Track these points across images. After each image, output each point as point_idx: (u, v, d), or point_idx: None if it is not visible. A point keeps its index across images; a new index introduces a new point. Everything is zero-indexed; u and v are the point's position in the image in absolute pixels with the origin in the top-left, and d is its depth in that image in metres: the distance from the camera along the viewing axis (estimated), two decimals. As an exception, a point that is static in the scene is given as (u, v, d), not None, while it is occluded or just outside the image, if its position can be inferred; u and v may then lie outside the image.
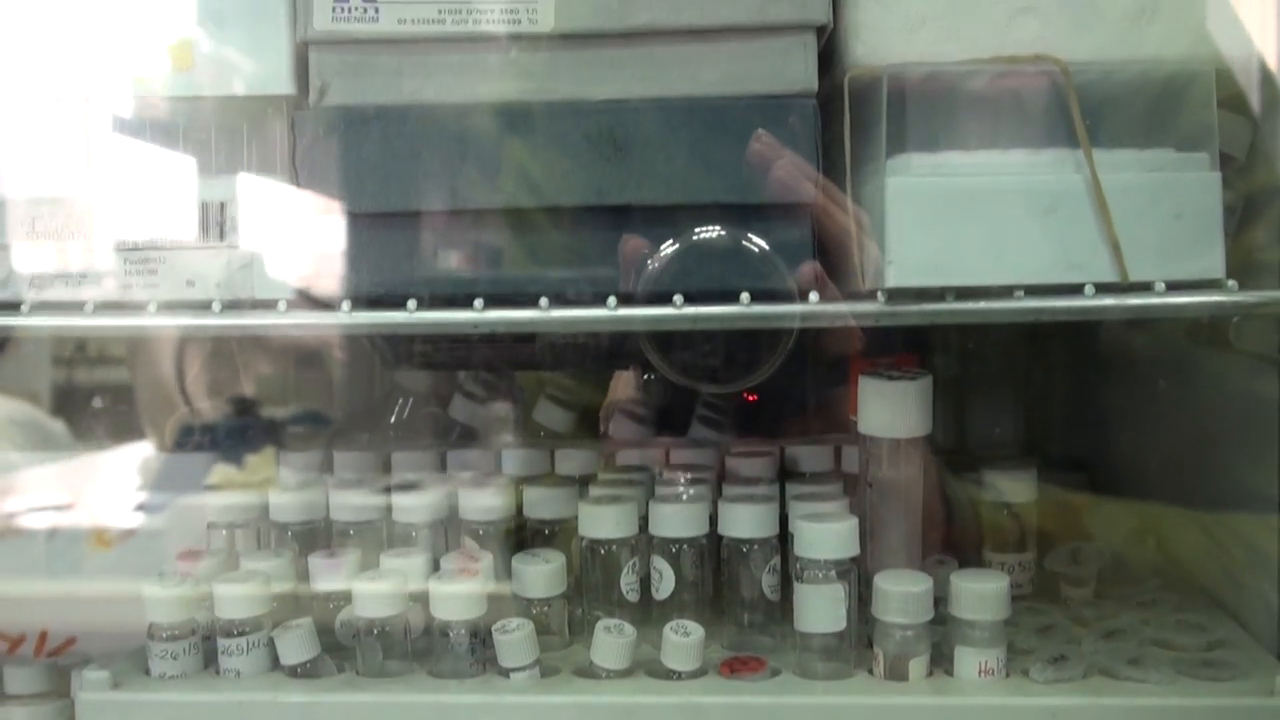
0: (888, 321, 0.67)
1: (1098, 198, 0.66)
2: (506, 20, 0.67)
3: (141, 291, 0.70)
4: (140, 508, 1.09)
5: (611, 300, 0.68)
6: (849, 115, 0.68)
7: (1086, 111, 0.67)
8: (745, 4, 0.67)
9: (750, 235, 0.68)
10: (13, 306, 0.70)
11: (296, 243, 0.70)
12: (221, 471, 1.06)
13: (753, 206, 0.68)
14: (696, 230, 0.68)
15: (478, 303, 0.68)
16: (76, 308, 0.70)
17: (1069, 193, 0.66)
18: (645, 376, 1.00)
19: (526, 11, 0.67)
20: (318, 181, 0.69)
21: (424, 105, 0.69)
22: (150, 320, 0.69)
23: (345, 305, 0.69)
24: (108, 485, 1.02)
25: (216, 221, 0.70)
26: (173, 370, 1.00)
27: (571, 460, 0.92)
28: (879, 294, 0.67)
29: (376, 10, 0.68)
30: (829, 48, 0.70)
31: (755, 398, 1.01)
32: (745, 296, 0.67)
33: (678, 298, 0.67)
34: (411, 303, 0.68)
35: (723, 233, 0.68)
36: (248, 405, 1.02)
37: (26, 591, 0.90)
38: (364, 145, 0.68)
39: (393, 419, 1.06)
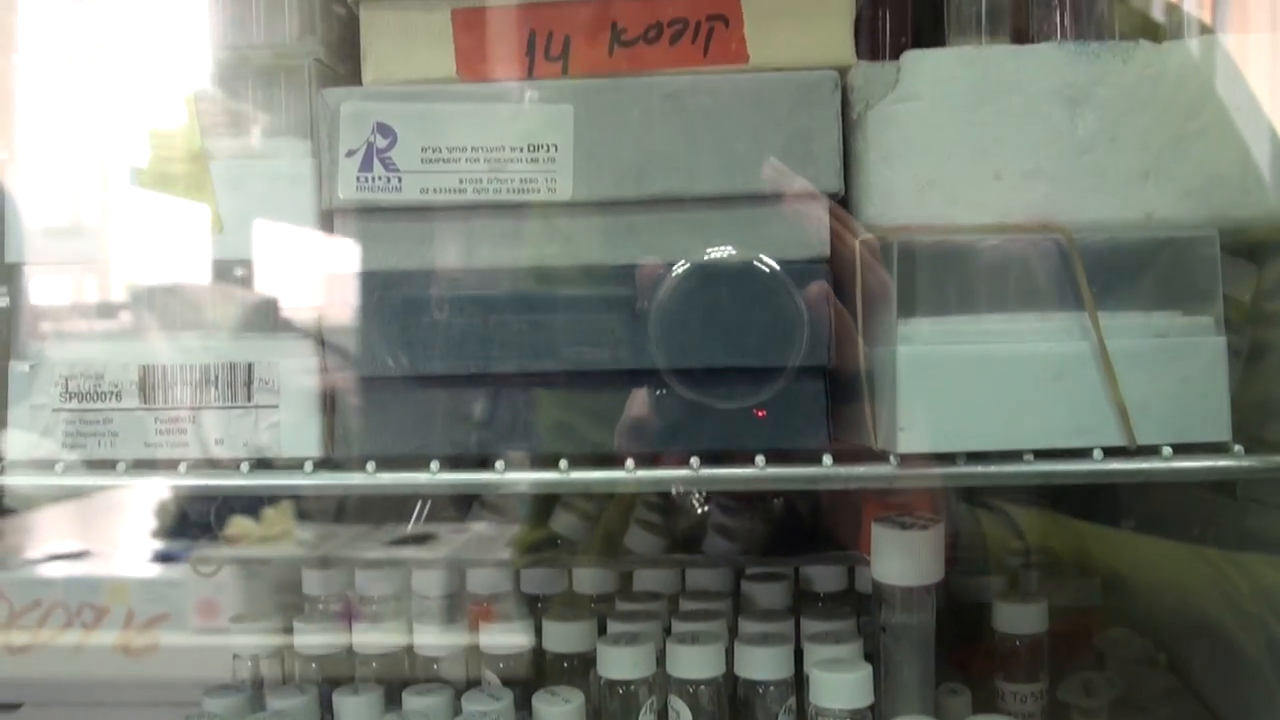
0: (900, 484, 0.69)
1: (1105, 364, 0.67)
2: (526, 189, 0.69)
3: (170, 450, 0.72)
4: (156, 557, 1.11)
5: (630, 463, 0.69)
6: (861, 281, 0.70)
7: (1093, 272, 0.68)
8: (759, 173, 0.69)
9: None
10: (46, 465, 0.72)
11: (322, 404, 0.71)
12: (239, 524, 1.08)
13: (768, 368, 0.69)
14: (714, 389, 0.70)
15: (499, 464, 0.70)
16: (109, 466, 0.72)
17: (1077, 358, 0.67)
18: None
19: (546, 180, 0.69)
20: (343, 345, 0.71)
21: (445, 271, 0.70)
22: (179, 480, 0.71)
23: (369, 466, 0.70)
24: (124, 531, 1.03)
25: (244, 382, 0.71)
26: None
27: (589, 579, 0.93)
28: (891, 457, 0.68)
29: (399, 180, 0.69)
30: (840, 207, 0.72)
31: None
32: (760, 459, 0.69)
33: (694, 460, 0.69)
34: (434, 464, 0.70)
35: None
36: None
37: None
38: (386, 311, 0.70)
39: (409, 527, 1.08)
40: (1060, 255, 0.69)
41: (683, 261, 0.69)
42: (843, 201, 0.71)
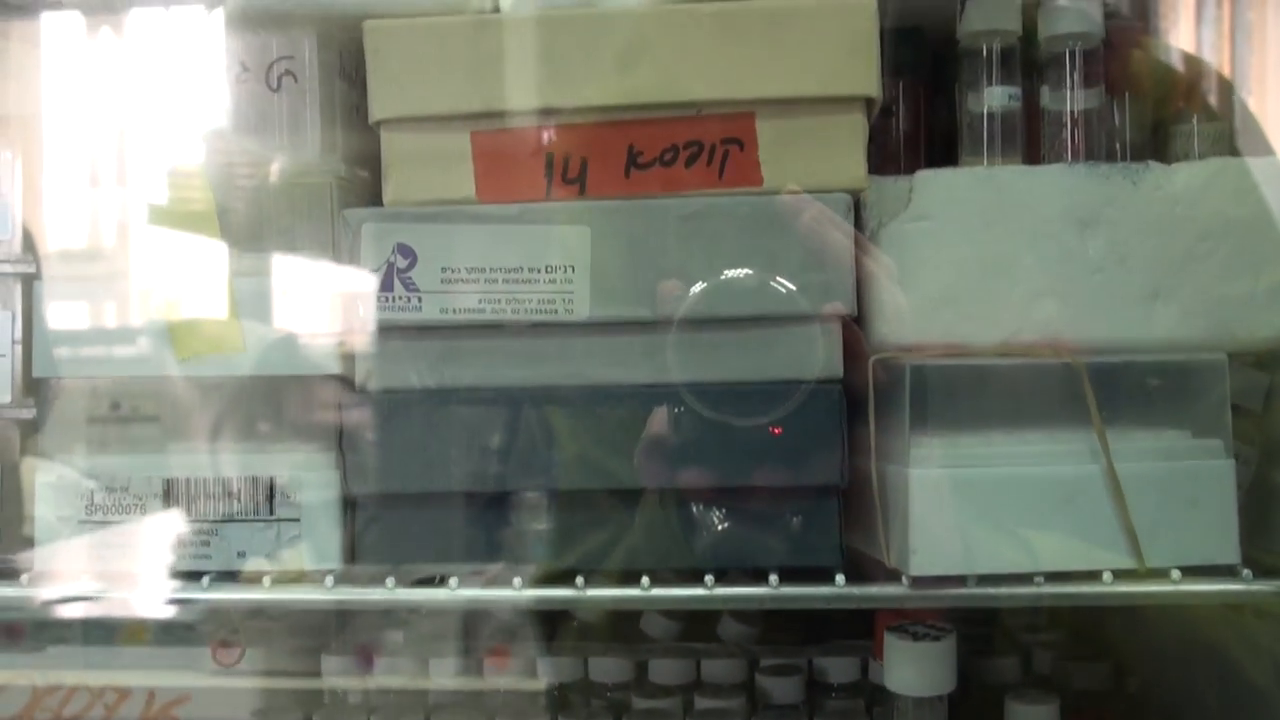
0: (913, 604, 0.70)
1: (1114, 488, 0.68)
2: (544, 309, 0.70)
3: (193, 562, 0.73)
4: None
5: (645, 580, 0.70)
6: (874, 399, 0.71)
7: (1103, 392, 0.69)
8: (773, 296, 0.70)
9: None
10: (72, 576, 0.73)
11: (343, 518, 0.72)
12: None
13: (783, 489, 0.70)
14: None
15: (516, 580, 0.71)
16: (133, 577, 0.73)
17: (1087, 481, 0.68)
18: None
19: (562, 300, 0.70)
20: (363, 462, 0.72)
21: (463, 389, 0.71)
22: (202, 595, 0.72)
23: (389, 581, 0.71)
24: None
25: (266, 496, 0.73)
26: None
27: (605, 668, 0.94)
28: (904, 578, 0.69)
29: (419, 299, 0.71)
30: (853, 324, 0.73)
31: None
32: (774, 578, 0.70)
33: (709, 578, 0.70)
34: (453, 580, 0.71)
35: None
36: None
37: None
38: (407, 428, 0.71)
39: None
40: (1070, 376, 0.69)
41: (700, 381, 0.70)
42: (856, 317, 0.72)
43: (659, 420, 0.70)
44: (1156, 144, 0.81)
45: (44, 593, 0.73)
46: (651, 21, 0.71)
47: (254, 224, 0.74)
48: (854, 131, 0.70)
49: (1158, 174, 0.70)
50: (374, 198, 0.73)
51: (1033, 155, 0.75)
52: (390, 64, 0.71)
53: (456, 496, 0.72)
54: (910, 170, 0.75)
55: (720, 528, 0.71)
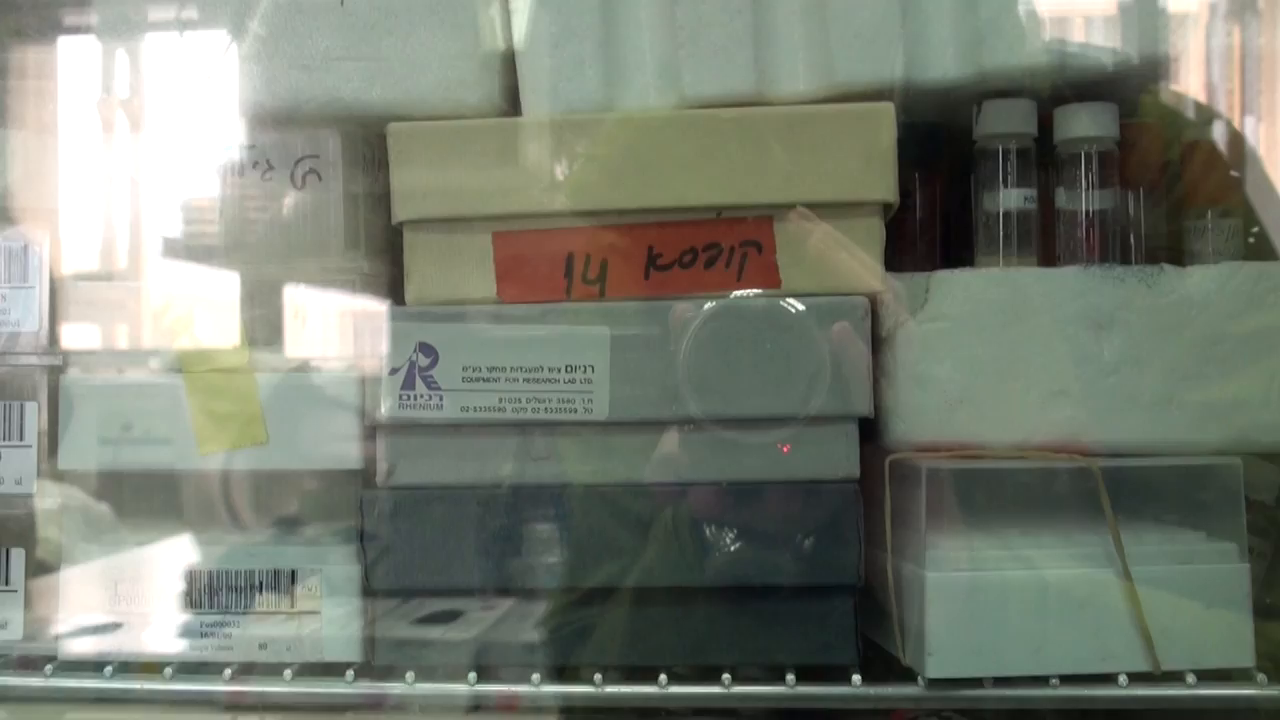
0: (929, 705, 0.70)
1: (1129, 592, 0.68)
2: (564, 408, 0.71)
3: (215, 653, 0.74)
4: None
5: (662, 678, 0.71)
6: (890, 497, 0.71)
7: (1117, 493, 0.70)
8: (790, 397, 0.71)
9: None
10: (95, 667, 0.74)
11: (364, 611, 0.73)
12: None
13: (799, 588, 0.71)
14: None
15: (535, 676, 0.71)
16: (157, 670, 0.74)
17: (1102, 584, 0.69)
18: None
19: (582, 400, 0.71)
20: (384, 558, 0.73)
21: (483, 487, 0.72)
22: (223, 686, 0.73)
23: (409, 676, 0.72)
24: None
25: (288, 588, 0.73)
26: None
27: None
28: (919, 678, 0.70)
29: (440, 398, 0.72)
30: (869, 421, 0.73)
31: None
32: (790, 677, 0.70)
33: (726, 676, 0.71)
34: (472, 675, 0.72)
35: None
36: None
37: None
38: (428, 525, 0.72)
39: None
40: (1086, 478, 0.70)
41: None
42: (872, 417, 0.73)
43: (678, 517, 0.71)
44: (1172, 236, 0.81)
45: (67, 683, 0.74)
46: (672, 126, 0.72)
47: (277, 319, 0.74)
48: (871, 236, 0.71)
49: (1171, 277, 0.71)
50: (396, 287, 0.74)
51: (1049, 251, 0.76)
52: (413, 166, 0.72)
53: (478, 593, 0.72)
54: (926, 260, 0.76)
55: (736, 622, 0.72)
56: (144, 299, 0.76)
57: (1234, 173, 0.82)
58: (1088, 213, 0.75)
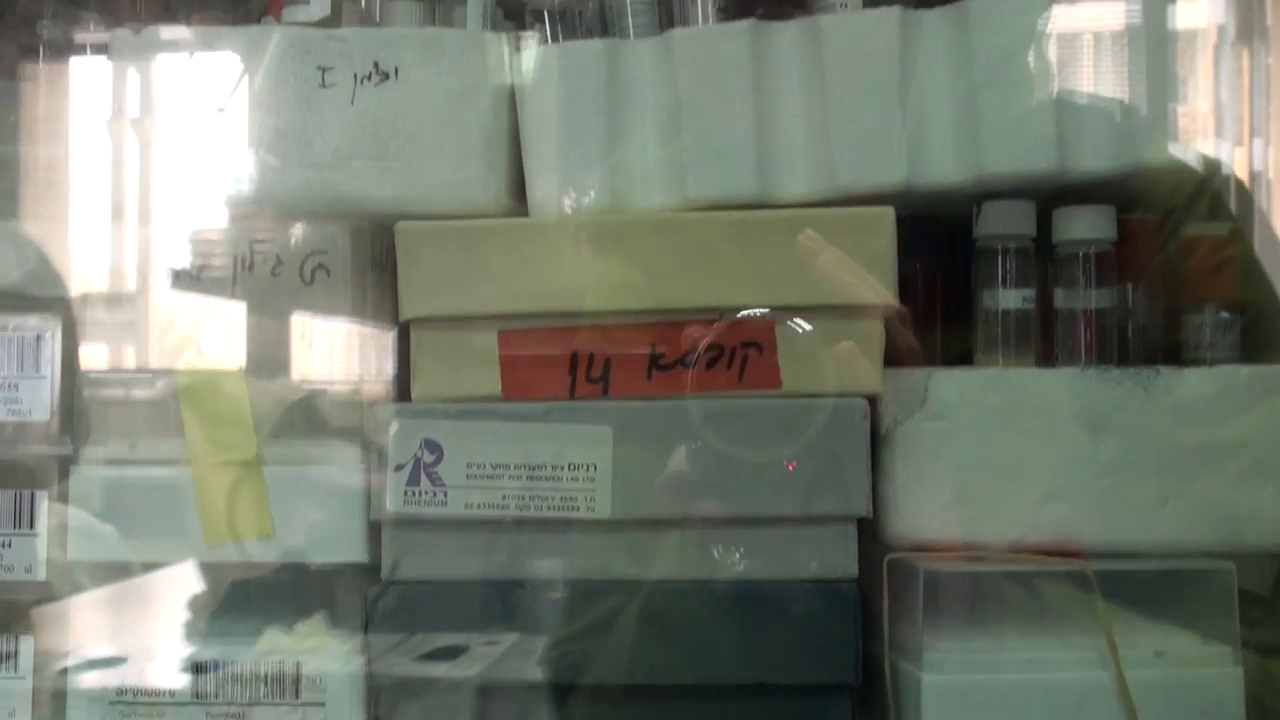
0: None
1: (1124, 696, 0.69)
2: (567, 506, 0.72)
3: (222, 750, 0.75)
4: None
5: (663, 774, 0.72)
6: (888, 596, 0.72)
7: (1112, 594, 0.71)
8: (791, 497, 0.71)
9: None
10: (102, 755, 0.75)
11: (367, 703, 0.74)
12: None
13: (797, 686, 0.72)
14: None
15: (539, 773, 0.72)
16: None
17: (1097, 688, 0.70)
18: None
19: (585, 499, 0.72)
20: (389, 651, 0.73)
21: (487, 582, 0.73)
22: (231, 778, 0.74)
23: (412, 768, 0.73)
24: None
25: (293, 680, 0.74)
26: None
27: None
28: (919, 780, 0.70)
29: (445, 494, 0.73)
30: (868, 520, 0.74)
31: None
32: (788, 776, 0.71)
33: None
34: (477, 773, 0.73)
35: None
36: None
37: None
38: (433, 619, 0.73)
39: None
40: (1080, 581, 0.71)
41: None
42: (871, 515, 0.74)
43: (678, 614, 0.72)
44: (1169, 327, 0.82)
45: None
46: (675, 229, 0.73)
47: (285, 413, 0.75)
48: (871, 338, 0.72)
49: (1168, 379, 0.72)
50: (403, 377, 0.75)
51: (1048, 347, 0.77)
52: (421, 265, 0.73)
53: (480, 689, 0.73)
54: (925, 352, 0.77)
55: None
56: (157, 388, 0.77)
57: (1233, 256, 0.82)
58: (1085, 312, 0.76)
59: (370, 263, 0.77)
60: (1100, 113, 0.74)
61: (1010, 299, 0.75)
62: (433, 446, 0.73)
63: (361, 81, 0.74)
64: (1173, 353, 0.79)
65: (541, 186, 0.75)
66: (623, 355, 0.73)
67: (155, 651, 0.76)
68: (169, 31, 0.77)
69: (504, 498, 0.72)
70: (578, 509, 0.72)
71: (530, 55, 0.75)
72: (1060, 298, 0.76)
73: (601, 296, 0.72)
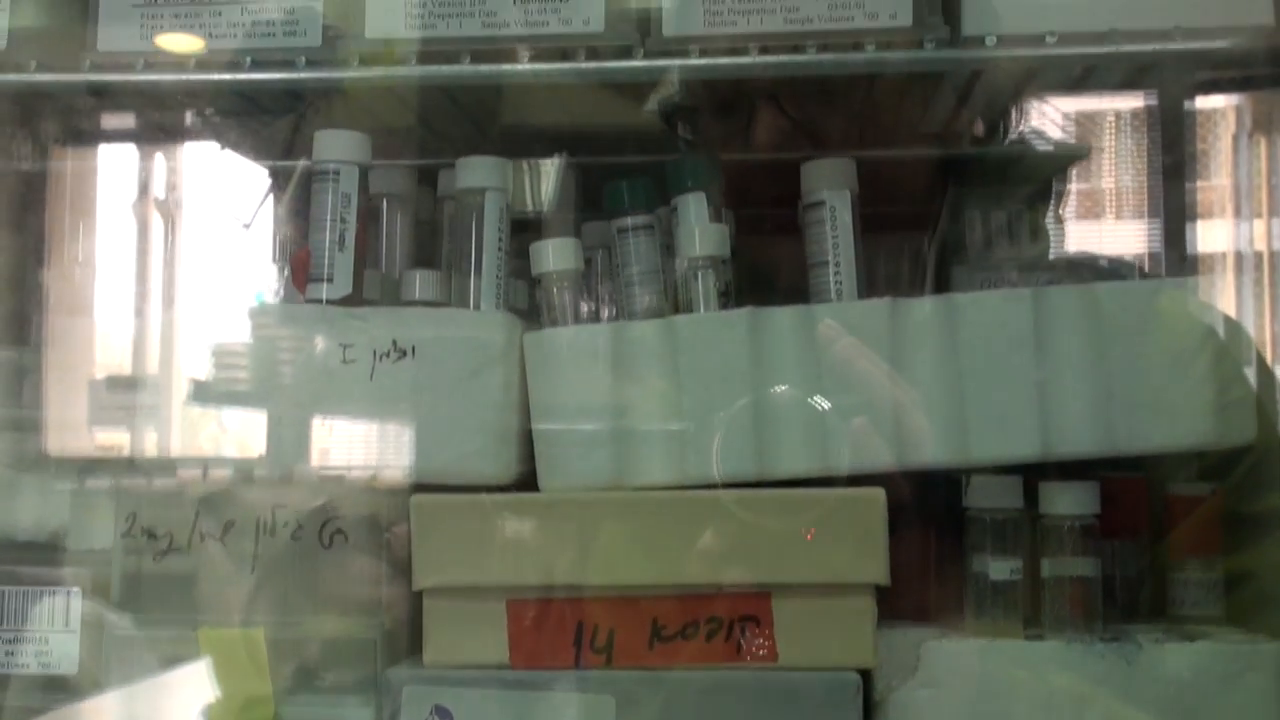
0: None
1: None
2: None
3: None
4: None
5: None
6: None
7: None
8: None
9: None
10: None
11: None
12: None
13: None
14: None
15: None
16: None
17: None
18: None
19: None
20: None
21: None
22: None
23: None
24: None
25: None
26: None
27: None
28: None
29: None
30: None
31: None
32: None
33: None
34: None
35: None
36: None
37: None
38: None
39: None
40: None
41: None
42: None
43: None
44: (1156, 582, 0.85)
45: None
46: (677, 508, 0.76)
47: (299, 671, 0.79)
48: (863, 615, 0.75)
49: (1150, 654, 0.75)
50: (414, 632, 0.79)
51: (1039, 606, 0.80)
52: (435, 537, 0.77)
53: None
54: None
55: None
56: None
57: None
58: (1070, 579, 0.79)
59: (385, 526, 0.81)
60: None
61: (999, 570, 0.78)
62: (443, 712, 0.76)
63: (380, 359, 0.79)
64: (1159, 604, 0.83)
65: (550, 462, 0.79)
66: (626, 627, 0.76)
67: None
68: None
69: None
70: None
71: (540, 337, 0.80)
72: (1046, 568, 0.79)
73: (604, 572, 0.76)
